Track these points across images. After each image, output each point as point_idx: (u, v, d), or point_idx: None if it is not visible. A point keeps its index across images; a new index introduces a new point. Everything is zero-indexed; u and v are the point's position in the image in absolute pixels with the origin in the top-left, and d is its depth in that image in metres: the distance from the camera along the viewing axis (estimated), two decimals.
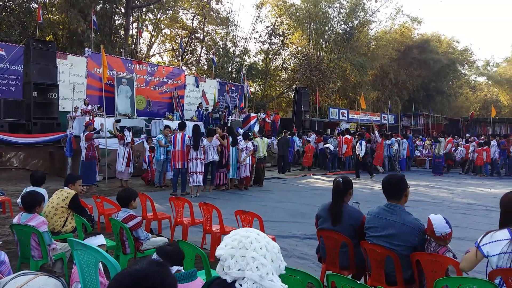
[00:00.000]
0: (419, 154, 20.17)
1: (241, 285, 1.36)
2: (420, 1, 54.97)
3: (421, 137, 24.13)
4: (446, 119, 32.58)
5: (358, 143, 14.02)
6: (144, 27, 26.42)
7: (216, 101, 18.95)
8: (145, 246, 4.11)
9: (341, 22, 30.33)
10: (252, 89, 31.57)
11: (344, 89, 31.02)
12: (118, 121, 11.43)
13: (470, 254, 2.62)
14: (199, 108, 17.97)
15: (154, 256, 2.47)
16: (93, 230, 4.52)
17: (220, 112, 17.75)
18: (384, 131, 22.11)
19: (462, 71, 41.75)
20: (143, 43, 28.65)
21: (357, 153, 13.87)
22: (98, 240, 3.11)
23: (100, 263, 2.58)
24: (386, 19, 42.26)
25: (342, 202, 3.45)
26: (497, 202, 9.30)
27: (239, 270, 1.36)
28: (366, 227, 3.25)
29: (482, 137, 20.22)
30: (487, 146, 15.87)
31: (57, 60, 13.09)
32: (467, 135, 23.08)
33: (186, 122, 12.19)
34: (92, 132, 9.86)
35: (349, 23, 29.99)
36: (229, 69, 29.18)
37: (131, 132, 10.97)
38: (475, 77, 48.13)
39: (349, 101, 32.28)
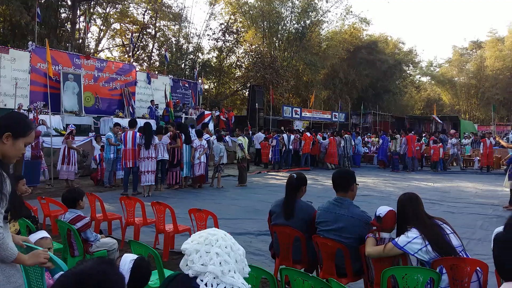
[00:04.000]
0: (367, 151, 20.97)
1: (202, 280, 1.37)
2: (369, 1, 57.03)
3: (369, 134, 25.15)
4: (392, 117, 34.07)
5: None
6: (92, 21, 25.40)
7: (171, 98, 18.59)
8: (94, 248, 3.97)
9: (294, 22, 30.83)
10: (206, 87, 31.36)
11: (297, 87, 31.57)
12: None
13: (386, 248, 2.82)
14: (151, 106, 17.58)
15: (129, 260, 2.14)
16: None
17: (183, 110, 17.52)
18: (335, 129, 22.76)
19: (408, 71, 43.89)
20: (91, 37, 27.57)
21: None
22: (39, 235, 3.03)
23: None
24: (336, 19, 43.53)
25: (294, 197, 3.53)
26: (439, 195, 9.82)
27: (202, 265, 1.37)
28: (317, 221, 3.35)
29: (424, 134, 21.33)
30: (441, 143, 16.72)
31: None
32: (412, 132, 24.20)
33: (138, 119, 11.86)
34: (39, 130, 9.39)
35: (302, 22, 30.53)
36: (182, 66, 28.75)
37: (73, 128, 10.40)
38: (419, 77, 50.89)
39: (302, 99, 32.89)
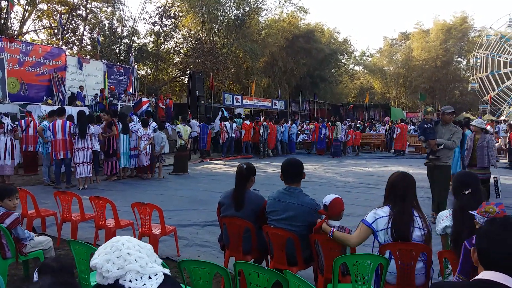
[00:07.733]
0: (306, 138, 21.50)
1: (125, 280, 1.39)
2: None
3: (307, 121, 25.79)
4: (329, 105, 35.25)
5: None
6: (15, 1, 23.27)
7: (106, 85, 17.65)
8: (28, 248, 3.67)
9: (233, 8, 30.49)
10: (143, 72, 30.24)
11: (238, 75, 31.44)
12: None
13: (358, 230, 2.88)
14: (79, 91, 16.62)
15: (36, 276, 1.91)
16: None
17: (121, 97, 16.69)
18: (276, 116, 23.04)
19: (342, 61, 45.44)
20: (15, 18, 25.28)
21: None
22: None
23: None
24: (275, 7, 43.72)
25: (244, 188, 3.49)
26: (375, 180, 10.26)
27: (118, 269, 1.38)
28: (267, 211, 3.35)
29: (359, 122, 22.38)
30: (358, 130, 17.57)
31: None
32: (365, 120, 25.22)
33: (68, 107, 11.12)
34: None
35: (241, 9, 30.29)
36: (117, 50, 27.41)
37: (9, 118, 9.49)
38: (353, 66, 53.05)
39: (242, 87, 32.85)
